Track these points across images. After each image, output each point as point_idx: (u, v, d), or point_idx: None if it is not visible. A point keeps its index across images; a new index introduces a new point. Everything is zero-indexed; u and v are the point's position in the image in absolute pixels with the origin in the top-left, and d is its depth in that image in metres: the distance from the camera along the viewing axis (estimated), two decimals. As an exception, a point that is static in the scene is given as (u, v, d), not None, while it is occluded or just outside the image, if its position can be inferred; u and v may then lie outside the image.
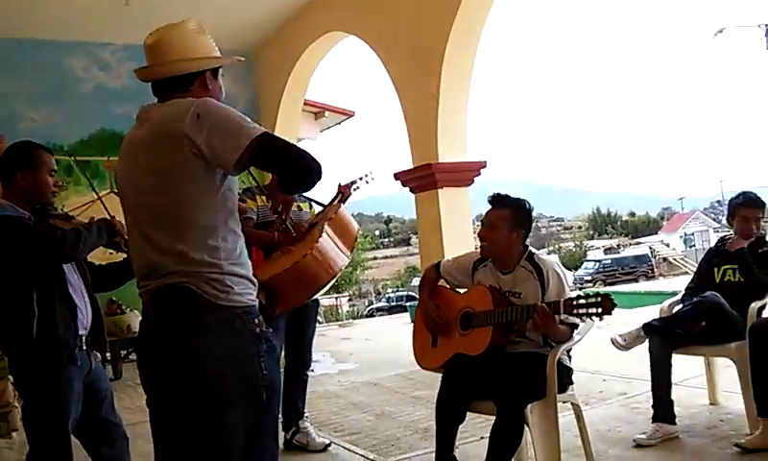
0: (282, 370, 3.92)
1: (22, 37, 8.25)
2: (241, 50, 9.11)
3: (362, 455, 3.97)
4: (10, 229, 2.54)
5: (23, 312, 2.50)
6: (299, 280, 3.13)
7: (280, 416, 4.07)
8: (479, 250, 3.38)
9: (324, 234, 3.27)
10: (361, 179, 3.94)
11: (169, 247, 1.90)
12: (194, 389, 1.89)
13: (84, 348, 2.68)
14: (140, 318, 2.10)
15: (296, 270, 3.09)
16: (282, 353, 3.97)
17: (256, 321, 1.96)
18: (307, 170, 1.91)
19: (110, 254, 2.84)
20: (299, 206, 4.02)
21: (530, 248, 3.25)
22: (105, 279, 2.87)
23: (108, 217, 2.83)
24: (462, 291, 3.42)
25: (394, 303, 31.01)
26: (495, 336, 3.05)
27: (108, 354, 6.60)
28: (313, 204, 4.11)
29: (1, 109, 8.17)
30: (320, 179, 1.95)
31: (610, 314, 2.76)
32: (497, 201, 3.23)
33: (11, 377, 3.56)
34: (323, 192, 4.01)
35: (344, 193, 3.84)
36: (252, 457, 1.93)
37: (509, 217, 3.16)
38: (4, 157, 2.71)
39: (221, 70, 2.13)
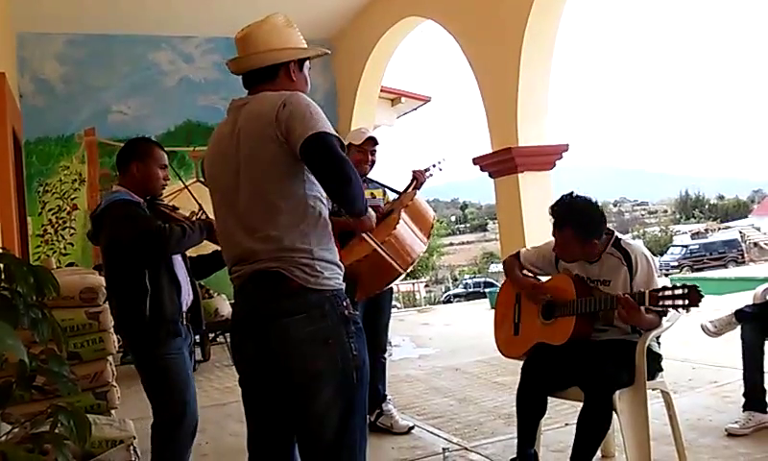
0: None
1: (111, 33, 8.59)
2: (320, 39, 9.22)
3: (445, 439, 3.97)
4: (126, 211, 2.74)
5: (137, 290, 2.69)
6: (377, 268, 3.16)
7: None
8: None
9: (401, 221, 3.28)
10: (434, 166, 3.98)
11: (262, 233, 1.98)
12: (287, 370, 1.98)
13: (185, 323, 2.88)
14: (227, 302, 2.19)
15: (374, 257, 3.12)
16: None
17: (345, 303, 2.02)
18: (345, 179, 1.90)
19: None
20: (372, 194, 4.03)
21: (615, 233, 3.14)
22: (195, 269, 3.02)
23: (199, 205, 3.01)
24: (544, 279, 3.35)
25: (471, 290, 30.74)
26: (578, 326, 2.99)
27: (197, 337, 6.84)
28: (387, 190, 4.12)
29: (93, 103, 8.57)
30: (355, 200, 1.97)
31: (696, 307, 2.68)
32: (557, 219, 3.07)
33: (109, 358, 3.76)
34: (397, 179, 4.06)
35: (418, 179, 3.85)
36: (344, 436, 1.98)
37: (573, 236, 3.02)
38: (123, 149, 2.96)
39: (308, 62, 2.20)
